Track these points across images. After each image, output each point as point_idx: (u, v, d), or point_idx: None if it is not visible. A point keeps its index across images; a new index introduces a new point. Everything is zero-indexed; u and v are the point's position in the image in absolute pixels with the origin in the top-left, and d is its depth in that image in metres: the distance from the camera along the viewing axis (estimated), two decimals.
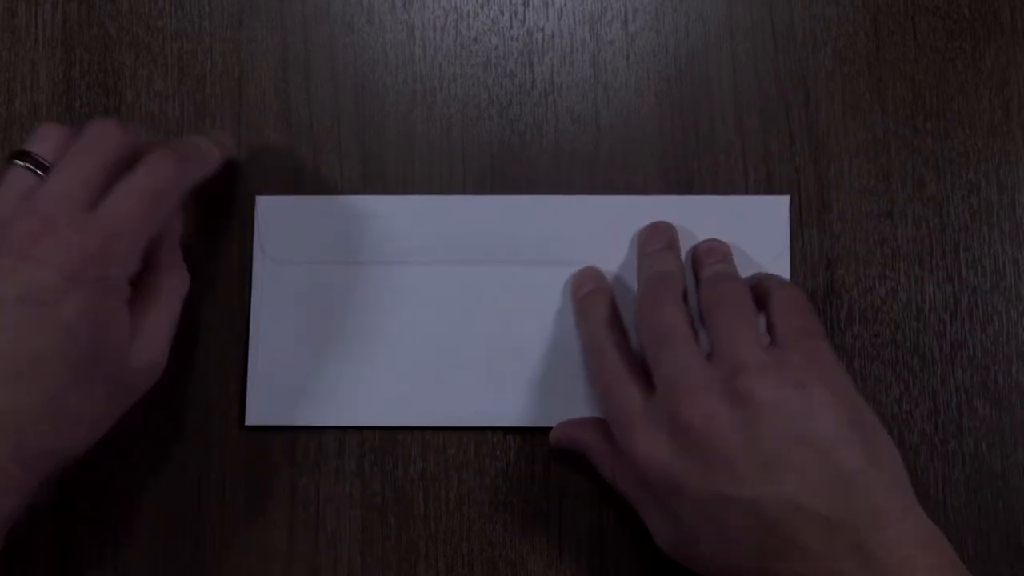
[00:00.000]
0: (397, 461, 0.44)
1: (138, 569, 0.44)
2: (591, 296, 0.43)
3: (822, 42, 0.46)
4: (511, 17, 0.46)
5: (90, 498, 0.44)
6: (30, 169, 0.37)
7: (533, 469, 0.44)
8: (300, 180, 0.46)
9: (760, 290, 0.40)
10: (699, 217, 0.44)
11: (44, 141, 0.38)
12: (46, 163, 0.37)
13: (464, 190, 0.46)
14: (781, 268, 0.44)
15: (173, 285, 0.40)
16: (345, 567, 0.44)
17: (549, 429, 0.44)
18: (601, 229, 0.45)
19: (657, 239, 0.43)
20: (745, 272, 0.43)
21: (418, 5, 0.46)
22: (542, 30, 0.46)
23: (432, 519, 0.44)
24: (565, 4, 0.46)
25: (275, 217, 0.45)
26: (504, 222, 0.45)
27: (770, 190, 0.45)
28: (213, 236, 0.45)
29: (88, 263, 0.35)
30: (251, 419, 0.44)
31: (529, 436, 0.44)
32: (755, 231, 0.44)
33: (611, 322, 0.42)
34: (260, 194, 0.45)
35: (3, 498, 0.35)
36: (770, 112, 0.46)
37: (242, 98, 0.45)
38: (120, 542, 0.44)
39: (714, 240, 0.44)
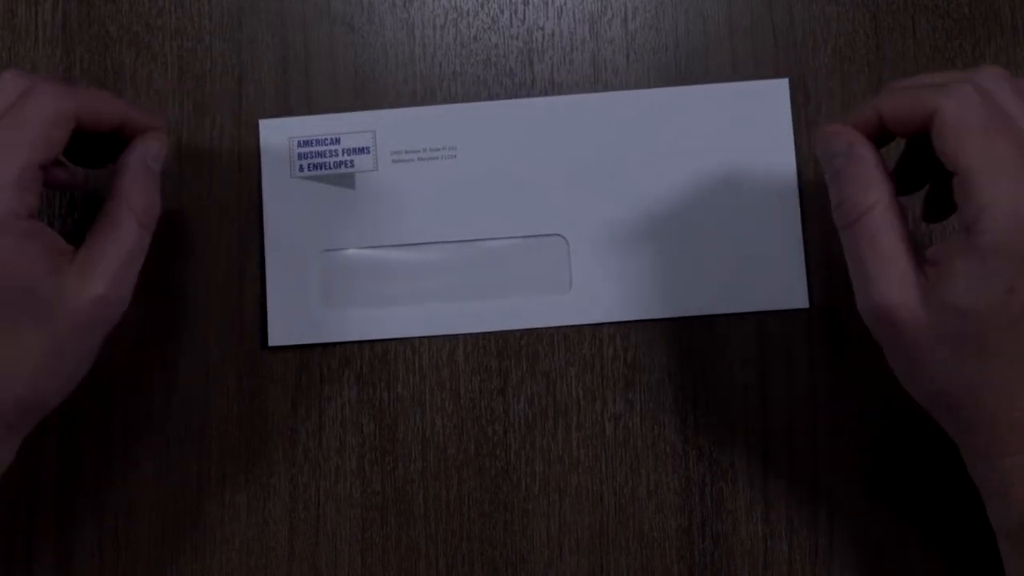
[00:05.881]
0: (397, 461, 0.44)
1: (138, 569, 0.44)
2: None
3: (822, 41, 0.46)
4: (511, 16, 0.46)
5: (90, 498, 0.44)
6: None
7: (533, 468, 0.44)
8: None
9: None
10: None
11: None
12: None
13: None
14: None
15: (126, 215, 0.38)
16: (345, 567, 0.44)
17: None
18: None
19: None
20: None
21: (418, 4, 0.46)
22: (542, 29, 0.46)
23: (432, 519, 0.44)
24: (565, 3, 0.46)
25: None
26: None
27: None
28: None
29: None
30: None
31: (530, 433, 0.44)
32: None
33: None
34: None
35: None
36: None
37: (242, 98, 0.45)
38: (120, 542, 0.44)
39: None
